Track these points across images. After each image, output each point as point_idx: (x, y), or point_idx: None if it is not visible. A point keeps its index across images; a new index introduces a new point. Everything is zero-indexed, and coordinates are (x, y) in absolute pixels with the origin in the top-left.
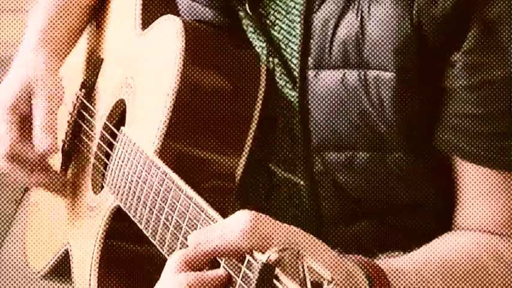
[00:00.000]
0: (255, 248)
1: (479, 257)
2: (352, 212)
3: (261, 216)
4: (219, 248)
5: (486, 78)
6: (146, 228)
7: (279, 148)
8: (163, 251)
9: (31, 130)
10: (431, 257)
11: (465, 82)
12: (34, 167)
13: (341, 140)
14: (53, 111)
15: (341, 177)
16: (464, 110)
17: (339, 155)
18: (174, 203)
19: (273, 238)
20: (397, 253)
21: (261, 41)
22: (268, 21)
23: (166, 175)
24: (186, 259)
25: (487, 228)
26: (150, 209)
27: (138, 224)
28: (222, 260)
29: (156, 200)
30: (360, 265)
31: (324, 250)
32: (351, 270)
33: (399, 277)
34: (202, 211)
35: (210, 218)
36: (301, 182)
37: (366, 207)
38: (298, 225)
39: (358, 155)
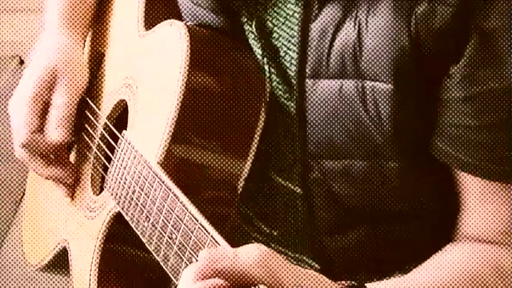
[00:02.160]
0: (265, 280)
1: (480, 274)
2: (346, 222)
3: (273, 251)
4: (231, 270)
5: (484, 89)
6: (149, 243)
7: (278, 155)
8: (166, 269)
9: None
10: (432, 278)
11: (463, 94)
12: (50, 159)
13: (338, 149)
14: (72, 103)
15: (337, 186)
16: (461, 120)
17: (336, 163)
18: (178, 222)
19: (282, 276)
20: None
21: (259, 48)
22: (265, 29)
23: (170, 191)
24: (199, 272)
25: (488, 238)
26: (153, 224)
27: (141, 237)
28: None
29: (159, 215)
30: None
31: None
32: None
33: None
34: (209, 234)
35: (216, 243)
36: (299, 190)
37: (360, 217)
38: (294, 233)
39: (355, 164)
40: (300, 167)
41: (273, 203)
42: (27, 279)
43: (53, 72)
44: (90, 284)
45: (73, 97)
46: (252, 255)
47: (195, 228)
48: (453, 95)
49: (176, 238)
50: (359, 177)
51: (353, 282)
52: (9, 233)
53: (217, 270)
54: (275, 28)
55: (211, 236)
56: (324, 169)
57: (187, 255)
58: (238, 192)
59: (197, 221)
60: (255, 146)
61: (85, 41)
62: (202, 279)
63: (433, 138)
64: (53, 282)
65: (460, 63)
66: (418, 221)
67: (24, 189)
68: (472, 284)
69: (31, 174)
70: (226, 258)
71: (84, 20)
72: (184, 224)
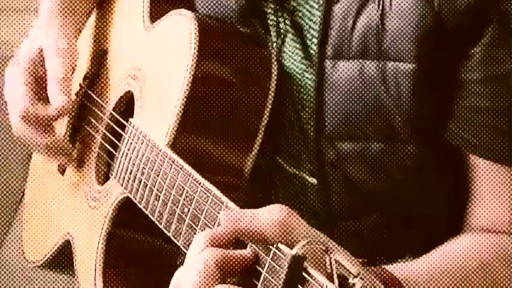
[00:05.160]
0: (283, 240)
1: (490, 263)
2: (362, 207)
3: (293, 212)
4: (249, 230)
5: (501, 71)
6: (159, 221)
7: (287, 142)
8: (178, 242)
9: (46, 91)
10: (443, 264)
11: (480, 75)
12: (46, 128)
13: (355, 130)
14: (66, 67)
15: (352, 170)
16: (476, 103)
17: (352, 145)
18: (191, 195)
19: (301, 234)
20: (408, 258)
21: (286, 24)
22: (288, 7)
23: (181, 168)
24: (213, 237)
25: (498, 228)
26: (164, 201)
27: (151, 216)
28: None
29: (170, 192)
30: (379, 278)
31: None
32: (376, 285)
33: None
34: (222, 203)
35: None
36: (308, 178)
37: (375, 202)
38: (305, 221)
39: (371, 146)
40: (314, 151)
41: (282, 191)
42: (27, 279)
43: (42, 48)
44: (95, 272)
45: (66, 65)
46: (270, 216)
47: (208, 198)
48: (471, 76)
49: (189, 211)
50: (375, 160)
51: (365, 260)
52: (9, 233)
53: (235, 229)
54: (298, 7)
55: (226, 205)
56: (339, 151)
57: (201, 225)
58: (246, 177)
59: (210, 192)
60: (262, 132)
61: (78, 36)
62: (220, 241)
63: (448, 121)
64: (54, 282)
65: (480, 44)
66: (433, 210)
67: (24, 189)
68: (482, 272)
69: (32, 170)
70: (245, 218)
71: (76, 16)
72: (198, 196)
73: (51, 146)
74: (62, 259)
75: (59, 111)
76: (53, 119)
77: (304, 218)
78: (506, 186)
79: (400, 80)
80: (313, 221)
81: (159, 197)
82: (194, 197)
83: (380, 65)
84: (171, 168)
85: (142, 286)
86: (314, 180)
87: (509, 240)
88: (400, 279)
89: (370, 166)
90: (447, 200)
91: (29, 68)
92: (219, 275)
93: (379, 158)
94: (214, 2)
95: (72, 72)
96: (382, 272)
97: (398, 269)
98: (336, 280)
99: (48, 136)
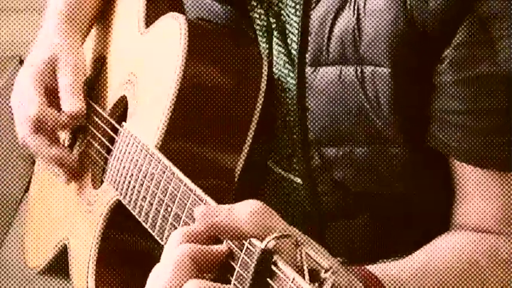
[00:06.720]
0: (257, 234)
1: (477, 261)
2: (351, 207)
3: (268, 207)
4: (224, 225)
5: (474, 73)
6: (145, 221)
7: (277, 146)
8: (162, 242)
9: (57, 100)
10: (428, 262)
11: (454, 77)
12: (54, 138)
13: (339, 135)
14: (78, 78)
15: (340, 173)
16: (452, 105)
17: (337, 150)
18: (174, 194)
19: (276, 229)
20: (391, 259)
21: (272, 28)
22: (273, 12)
23: (167, 168)
24: (188, 233)
25: (485, 227)
26: (150, 201)
27: (137, 217)
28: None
29: (155, 192)
30: (359, 277)
31: None
32: (351, 280)
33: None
34: (202, 201)
35: None
36: (298, 180)
37: (366, 201)
38: (296, 224)
39: (356, 150)
40: (300, 155)
41: (272, 194)
42: (27, 280)
43: (53, 59)
44: (88, 274)
45: (78, 74)
46: (246, 211)
47: (189, 197)
48: (444, 78)
49: (172, 210)
50: (362, 163)
51: (345, 259)
52: (9, 233)
53: (211, 225)
54: (281, 11)
55: (205, 202)
56: (325, 156)
57: (182, 223)
58: (236, 180)
59: (192, 190)
60: (251, 136)
61: (83, 42)
62: (195, 237)
63: (427, 124)
64: (54, 282)
65: (452, 45)
66: (423, 208)
67: (25, 189)
68: (469, 271)
69: (35, 177)
70: (221, 213)
71: (83, 22)
72: (180, 194)
73: (56, 157)
74: (60, 264)
75: (73, 117)
76: (64, 127)
77: (295, 219)
78: (491, 185)
79: (377, 84)
80: (304, 222)
81: (146, 197)
82: (177, 196)
83: (358, 70)
84: (157, 168)
85: (134, 286)
86: (300, 181)
87: (497, 239)
88: (380, 279)
89: (358, 169)
90: (440, 198)
91: (39, 76)
92: (193, 269)
93: (366, 162)
94: (202, 7)
95: (82, 77)
96: (361, 271)
97: (380, 268)
98: (306, 274)
99: (55, 147)
